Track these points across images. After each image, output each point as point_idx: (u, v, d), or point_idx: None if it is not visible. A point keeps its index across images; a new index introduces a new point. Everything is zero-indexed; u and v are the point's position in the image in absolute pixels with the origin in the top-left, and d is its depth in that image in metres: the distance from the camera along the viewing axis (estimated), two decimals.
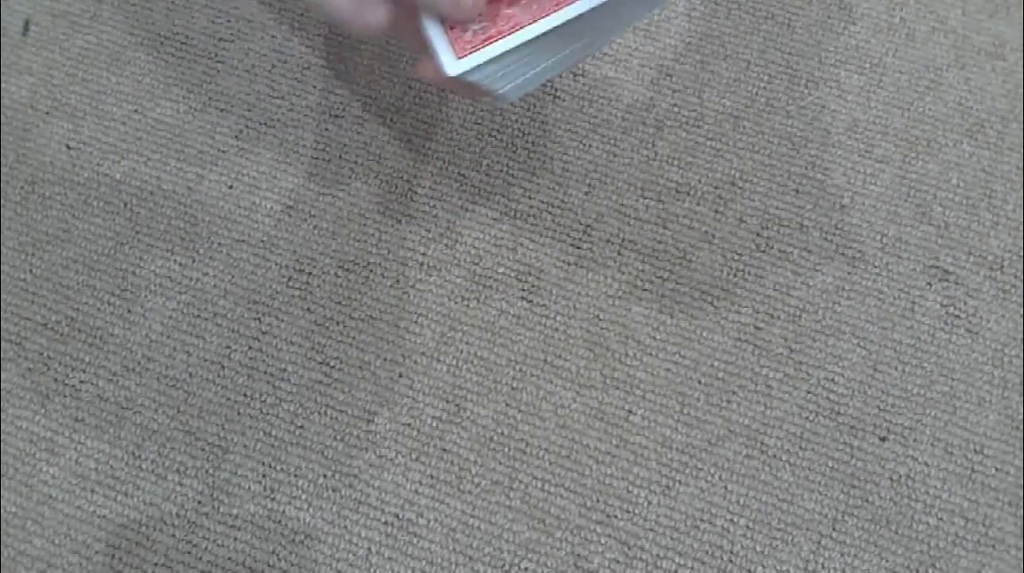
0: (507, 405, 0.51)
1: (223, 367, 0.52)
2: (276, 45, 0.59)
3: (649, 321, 0.53)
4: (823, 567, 0.48)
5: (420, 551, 0.49)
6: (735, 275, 0.53)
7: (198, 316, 0.53)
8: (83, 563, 0.49)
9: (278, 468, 0.50)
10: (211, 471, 0.50)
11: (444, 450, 0.50)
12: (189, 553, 0.49)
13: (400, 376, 0.52)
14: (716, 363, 0.52)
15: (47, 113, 0.58)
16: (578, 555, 0.48)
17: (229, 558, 0.48)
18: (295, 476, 0.50)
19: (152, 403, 0.51)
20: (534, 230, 0.55)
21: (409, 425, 0.51)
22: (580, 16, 0.35)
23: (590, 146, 0.56)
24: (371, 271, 0.54)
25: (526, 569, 0.48)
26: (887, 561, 0.48)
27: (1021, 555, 0.48)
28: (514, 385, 0.51)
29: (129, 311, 0.53)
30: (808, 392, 0.51)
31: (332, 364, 0.52)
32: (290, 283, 0.54)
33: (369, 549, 0.49)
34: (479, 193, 0.56)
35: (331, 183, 0.56)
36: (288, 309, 0.53)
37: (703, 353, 0.52)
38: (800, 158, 0.56)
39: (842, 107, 0.57)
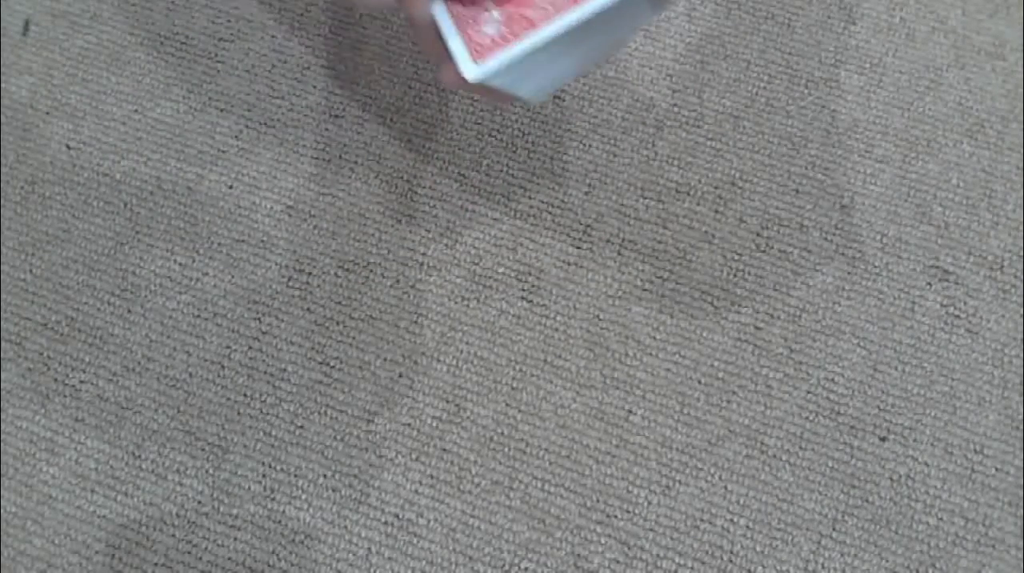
0: (507, 405, 0.51)
1: (223, 367, 0.52)
2: (276, 45, 0.59)
3: (649, 321, 0.53)
4: (823, 567, 0.48)
5: (420, 551, 0.49)
6: (735, 275, 0.53)
7: (198, 316, 0.53)
8: (83, 563, 0.49)
9: (278, 468, 0.50)
10: (211, 471, 0.50)
11: (444, 450, 0.50)
12: (189, 553, 0.49)
13: (400, 376, 0.52)
14: (716, 363, 0.52)
15: (47, 113, 0.58)
16: (578, 555, 0.48)
17: (229, 558, 0.48)
18: (295, 476, 0.50)
19: (152, 403, 0.51)
20: (534, 230, 0.55)
21: (409, 425, 0.51)
22: (597, 15, 0.35)
23: (590, 146, 0.56)
24: (371, 271, 0.54)
25: (526, 569, 0.48)
26: (887, 561, 0.48)
27: (1021, 555, 0.48)
28: (514, 385, 0.51)
29: (129, 311, 0.53)
30: (808, 392, 0.51)
31: (332, 364, 0.52)
32: (290, 283, 0.54)
33: (369, 549, 0.49)
34: (479, 193, 0.56)
35: (331, 183, 0.56)
36: (288, 309, 0.53)
37: (703, 353, 0.52)
38: (800, 158, 0.56)
39: (842, 107, 0.57)
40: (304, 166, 0.56)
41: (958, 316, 0.52)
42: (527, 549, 0.48)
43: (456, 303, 0.53)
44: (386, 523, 0.49)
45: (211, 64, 0.59)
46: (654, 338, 0.52)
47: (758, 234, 0.54)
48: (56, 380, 0.52)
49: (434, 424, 0.51)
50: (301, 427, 0.51)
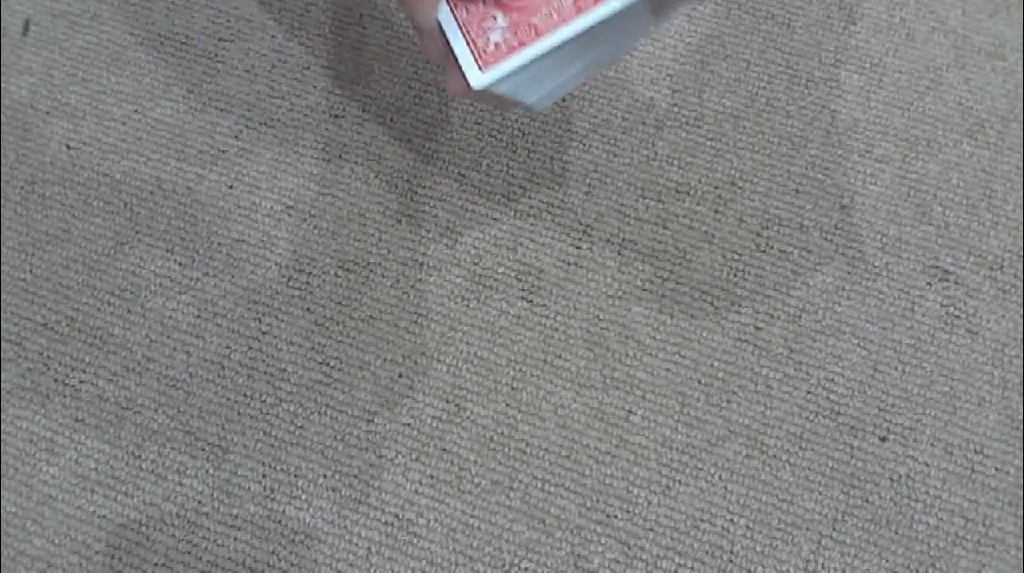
0: (507, 405, 0.51)
1: (223, 367, 0.52)
2: (276, 45, 0.59)
3: (649, 321, 0.53)
4: (823, 567, 0.48)
5: (420, 551, 0.49)
6: (735, 275, 0.53)
7: (198, 316, 0.53)
8: (83, 563, 0.49)
9: (278, 468, 0.50)
10: (211, 471, 0.50)
11: (444, 450, 0.50)
12: (189, 553, 0.49)
13: (400, 376, 0.52)
14: (716, 363, 0.52)
15: (47, 113, 0.58)
16: (578, 555, 0.48)
17: (229, 558, 0.48)
18: (295, 476, 0.50)
19: (152, 403, 0.51)
20: (534, 230, 0.55)
21: (409, 425, 0.51)
22: (601, 23, 0.35)
23: (590, 146, 0.56)
24: (371, 271, 0.54)
25: (526, 569, 0.48)
26: (887, 561, 0.48)
27: (1021, 555, 0.48)
28: (514, 385, 0.51)
29: (129, 311, 0.53)
30: (808, 392, 0.51)
31: (332, 364, 0.52)
32: (290, 283, 0.54)
33: (369, 549, 0.49)
34: (479, 193, 0.56)
35: (331, 183, 0.56)
36: (288, 309, 0.53)
37: (703, 353, 0.52)
38: (800, 158, 0.56)
39: (842, 107, 0.57)
40: (304, 166, 0.56)
41: (958, 316, 0.52)
42: (527, 549, 0.48)
43: (456, 303, 0.53)
44: (386, 523, 0.49)
45: (211, 64, 0.59)
46: (654, 338, 0.52)
47: (758, 234, 0.54)
48: (56, 380, 0.52)
49: (434, 424, 0.51)
50: (301, 427, 0.51)
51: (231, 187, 0.56)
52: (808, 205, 0.55)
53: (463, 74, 0.36)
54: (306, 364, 0.52)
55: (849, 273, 0.53)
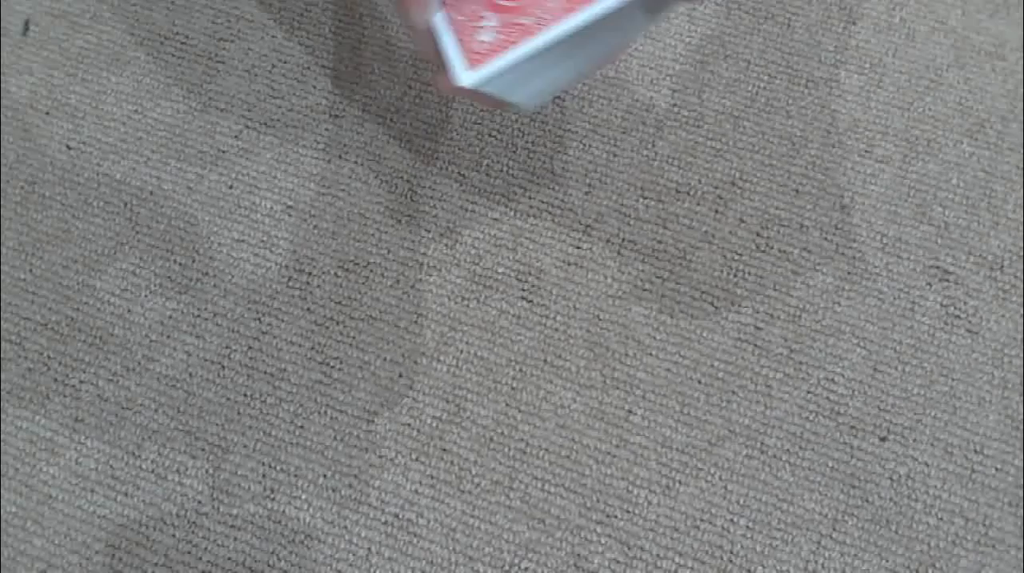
0: (507, 405, 0.51)
1: (223, 367, 0.52)
2: (276, 45, 0.59)
3: (649, 321, 0.53)
4: (823, 567, 0.48)
5: (420, 551, 0.49)
6: (735, 275, 0.53)
7: (198, 316, 0.53)
8: (83, 563, 0.49)
9: (278, 468, 0.50)
10: (211, 471, 0.50)
11: (444, 450, 0.50)
12: (189, 553, 0.49)
13: (400, 376, 0.52)
14: (716, 363, 0.52)
15: (47, 113, 0.58)
16: (578, 555, 0.48)
17: (229, 558, 0.48)
18: (295, 476, 0.50)
19: (152, 403, 0.51)
20: (534, 230, 0.55)
21: (409, 425, 0.51)
22: (591, 23, 0.35)
23: (590, 146, 0.56)
24: (371, 271, 0.54)
25: (526, 569, 0.48)
26: (887, 561, 0.48)
27: (1021, 555, 0.48)
28: (514, 385, 0.51)
29: (129, 311, 0.53)
30: (808, 392, 0.51)
31: (332, 364, 0.52)
32: (290, 283, 0.54)
33: (369, 549, 0.49)
34: (479, 193, 0.56)
35: (331, 183, 0.56)
36: (288, 309, 0.53)
37: (703, 353, 0.52)
38: (800, 158, 0.56)
39: (842, 107, 0.57)
40: (304, 166, 0.56)
41: (958, 316, 0.52)
42: (527, 549, 0.48)
43: (456, 303, 0.53)
44: (386, 523, 0.49)
45: (211, 64, 0.59)
46: (654, 338, 0.52)
47: (758, 234, 0.54)
48: (56, 380, 0.52)
49: (434, 424, 0.51)
50: (301, 427, 0.51)
51: (231, 187, 0.56)
52: (808, 205, 0.55)
53: (451, 73, 0.36)
54: (306, 364, 0.52)
55: (849, 273, 0.53)
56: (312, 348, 0.52)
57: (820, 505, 0.49)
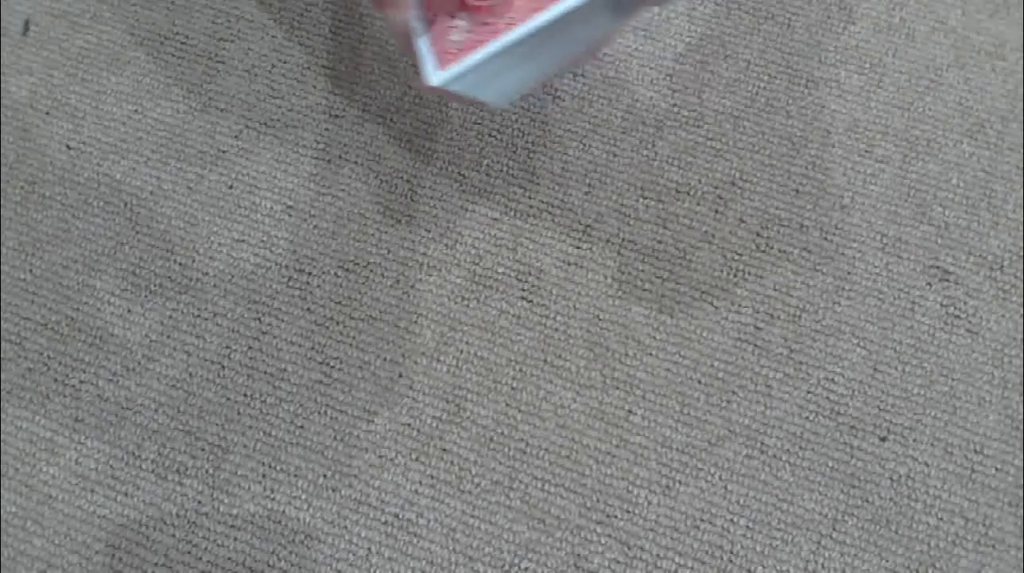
0: (507, 405, 0.51)
1: (223, 367, 0.52)
2: (276, 45, 0.59)
3: (649, 321, 0.53)
4: (823, 567, 0.48)
5: (420, 551, 0.49)
6: (735, 275, 0.53)
7: (198, 316, 0.53)
8: (83, 563, 0.49)
9: (278, 468, 0.50)
10: (211, 471, 0.50)
11: (444, 450, 0.50)
12: (189, 553, 0.49)
13: (400, 376, 0.52)
14: (716, 363, 0.52)
15: (47, 113, 0.58)
16: (578, 555, 0.48)
17: (229, 558, 0.48)
18: (295, 476, 0.50)
19: (152, 403, 0.51)
20: (534, 230, 0.55)
21: (409, 425, 0.51)
22: (557, 21, 0.36)
23: (590, 146, 0.56)
24: (371, 271, 0.54)
25: (526, 569, 0.48)
26: (887, 561, 0.48)
27: (1021, 555, 0.48)
28: (514, 385, 0.51)
29: (129, 311, 0.53)
30: (808, 392, 0.51)
31: (332, 364, 0.52)
32: (290, 283, 0.54)
33: (369, 549, 0.49)
34: (479, 193, 0.56)
35: (331, 183, 0.56)
36: (288, 309, 0.53)
37: (703, 353, 0.52)
38: (800, 158, 0.56)
39: (842, 107, 0.57)
40: (304, 166, 0.56)
41: (958, 316, 0.52)
42: (527, 549, 0.48)
43: (456, 303, 0.53)
44: (386, 523, 0.49)
45: (211, 64, 0.59)
46: (654, 338, 0.52)
47: (758, 234, 0.54)
48: (56, 380, 0.52)
49: (434, 424, 0.51)
50: (301, 427, 0.51)
51: (231, 187, 0.56)
52: (808, 205, 0.55)
53: (422, 72, 0.38)
54: (306, 364, 0.52)
55: (849, 273, 0.53)
56: (312, 348, 0.52)
57: (820, 505, 0.49)
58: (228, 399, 0.51)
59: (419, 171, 0.56)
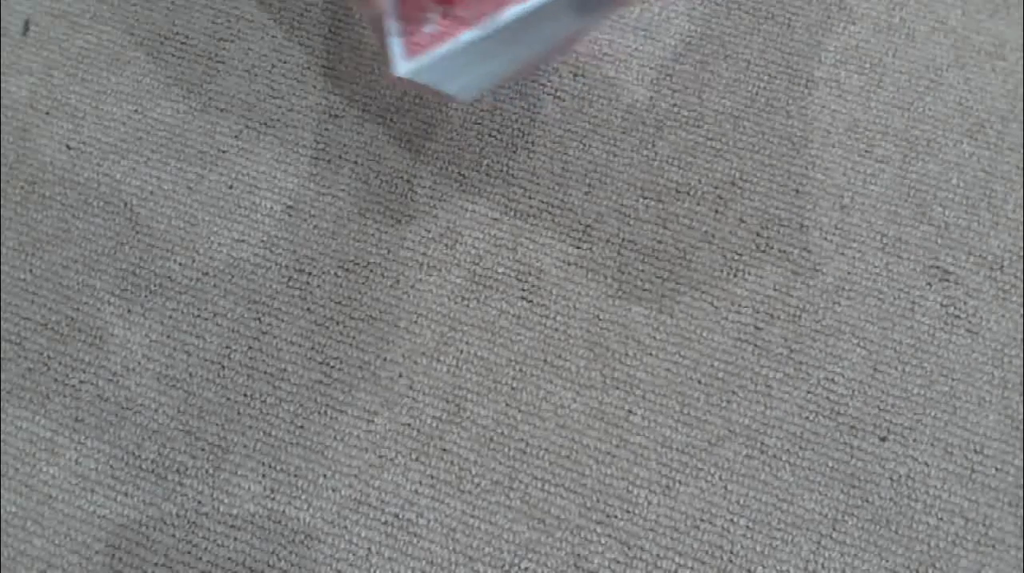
0: (507, 405, 0.51)
1: (223, 367, 0.52)
2: (276, 45, 0.59)
3: (649, 321, 0.53)
4: (823, 567, 0.48)
5: (420, 551, 0.49)
6: (735, 275, 0.53)
7: (198, 316, 0.53)
8: (83, 563, 0.49)
9: (278, 468, 0.50)
10: (211, 471, 0.50)
11: (444, 450, 0.50)
12: (189, 553, 0.49)
13: (400, 376, 0.52)
14: (716, 363, 0.52)
15: (47, 113, 0.58)
16: (578, 555, 0.48)
17: (229, 558, 0.48)
18: (295, 476, 0.50)
19: (152, 403, 0.51)
20: (534, 230, 0.55)
21: (409, 425, 0.51)
22: (519, 19, 0.37)
23: (590, 146, 0.56)
24: (371, 271, 0.54)
25: (526, 569, 0.48)
26: (887, 561, 0.48)
27: (1021, 555, 0.48)
28: (514, 385, 0.51)
29: (129, 311, 0.53)
30: (808, 392, 0.51)
31: (332, 364, 0.52)
32: (290, 283, 0.54)
33: (369, 549, 0.49)
34: (479, 193, 0.56)
35: (331, 183, 0.56)
36: (288, 309, 0.53)
37: (703, 353, 0.52)
38: (800, 158, 0.56)
39: (842, 107, 0.57)
40: (304, 166, 0.56)
41: (958, 316, 0.52)
42: (527, 549, 0.48)
43: (456, 303, 0.53)
44: (386, 523, 0.49)
45: (211, 64, 0.59)
46: (654, 338, 0.52)
47: (758, 234, 0.54)
48: (56, 380, 0.52)
49: (434, 424, 0.51)
50: (301, 427, 0.51)
51: (231, 187, 0.56)
52: (808, 205, 0.55)
53: (390, 63, 0.38)
54: (306, 364, 0.52)
55: (849, 273, 0.53)
56: (312, 348, 0.52)
57: (820, 505, 0.49)
58: (228, 399, 0.51)
59: (419, 171, 0.56)
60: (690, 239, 0.54)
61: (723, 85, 0.58)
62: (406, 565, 0.48)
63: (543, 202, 0.55)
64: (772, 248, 0.54)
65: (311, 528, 0.49)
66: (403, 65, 0.38)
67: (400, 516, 0.49)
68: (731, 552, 0.48)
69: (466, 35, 0.38)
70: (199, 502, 0.49)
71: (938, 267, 0.53)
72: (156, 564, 0.48)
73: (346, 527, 0.49)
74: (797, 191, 0.55)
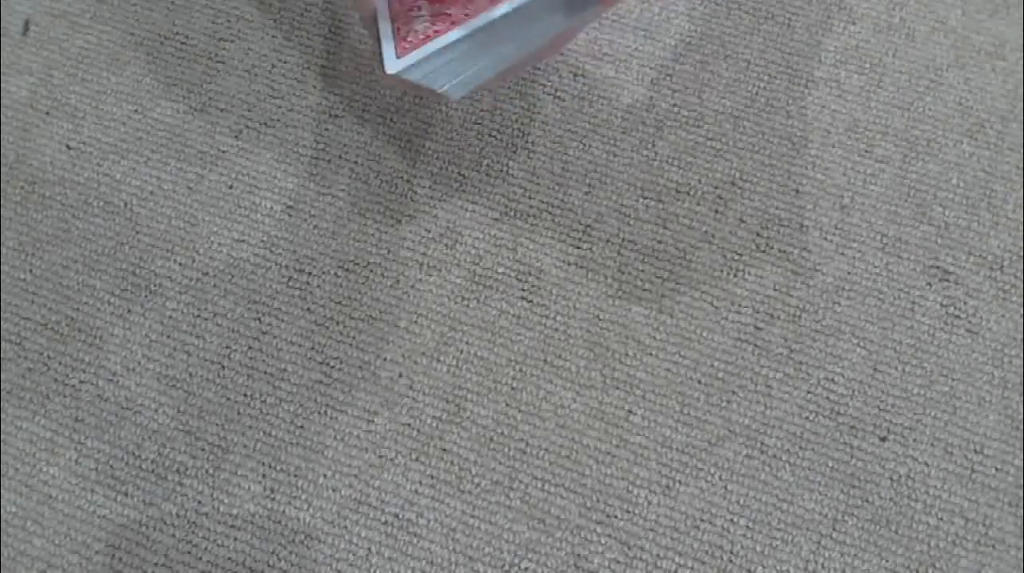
0: (507, 405, 0.51)
1: (223, 367, 0.52)
2: (276, 45, 0.59)
3: (649, 321, 0.53)
4: (823, 567, 0.48)
5: (420, 551, 0.49)
6: (735, 275, 0.53)
7: (198, 316, 0.53)
8: (83, 563, 0.49)
9: (278, 468, 0.50)
10: (211, 471, 0.50)
11: (444, 450, 0.50)
12: (189, 553, 0.49)
13: (400, 376, 0.52)
14: (716, 363, 0.52)
15: (47, 113, 0.58)
16: (578, 555, 0.48)
17: (229, 558, 0.48)
18: (295, 476, 0.50)
19: (152, 403, 0.51)
20: (534, 230, 0.55)
21: (409, 425, 0.51)
22: (506, 17, 0.37)
23: (590, 146, 0.56)
24: (371, 271, 0.54)
25: (526, 569, 0.48)
26: (887, 561, 0.48)
27: (1021, 555, 0.48)
28: (514, 385, 0.51)
29: (129, 311, 0.53)
30: (808, 392, 0.51)
31: (332, 364, 0.52)
32: (290, 283, 0.54)
33: (369, 549, 0.49)
34: (479, 193, 0.56)
35: (331, 183, 0.56)
36: (288, 309, 0.53)
37: (703, 353, 0.52)
38: (800, 158, 0.56)
39: (842, 107, 0.57)
40: (304, 166, 0.56)
41: (958, 316, 0.52)
42: (527, 549, 0.48)
43: (456, 303, 0.53)
44: (386, 523, 0.49)
45: (211, 64, 0.59)
46: (654, 338, 0.52)
47: (758, 234, 0.54)
48: (56, 380, 0.52)
49: (434, 424, 0.51)
50: (301, 427, 0.51)
51: (231, 187, 0.56)
52: (808, 205, 0.55)
53: (382, 61, 0.38)
54: (306, 364, 0.52)
55: (849, 273, 0.53)
56: (312, 348, 0.52)
57: (820, 505, 0.49)
58: (228, 399, 0.51)
59: (419, 171, 0.56)
60: (690, 239, 0.54)
61: (723, 85, 0.58)
62: (406, 565, 0.48)
63: (543, 202, 0.55)
64: (772, 248, 0.54)
65: (311, 528, 0.49)
66: (394, 63, 0.38)
67: (400, 516, 0.49)
68: (731, 552, 0.48)
69: (455, 33, 0.38)
70: (199, 502, 0.49)
71: (938, 267, 0.53)
72: (156, 564, 0.48)
73: (346, 527, 0.49)
74: (797, 191, 0.55)
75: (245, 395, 0.51)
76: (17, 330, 0.53)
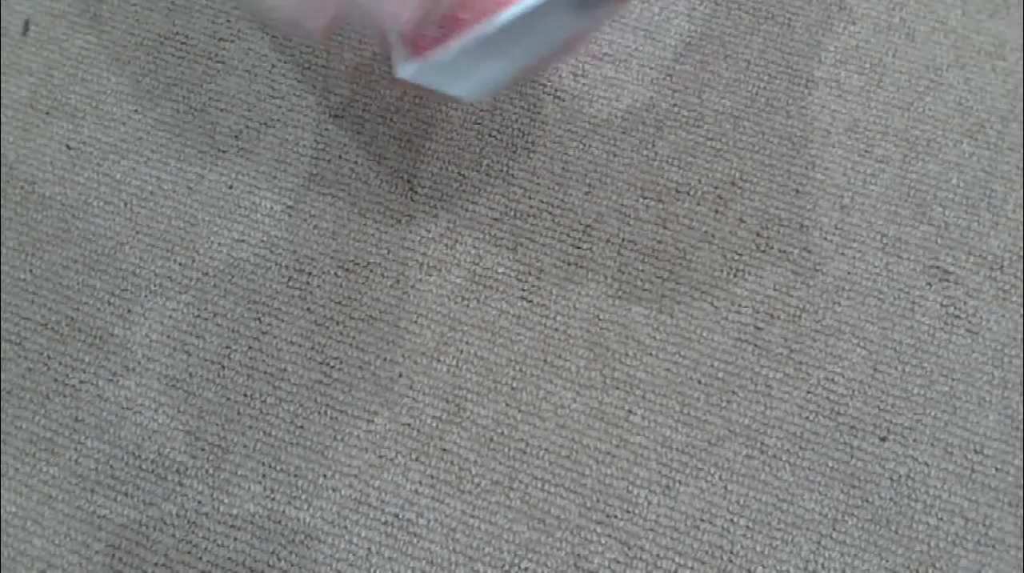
0: (507, 405, 0.51)
1: (223, 367, 0.52)
2: (276, 45, 0.59)
3: (649, 321, 0.53)
4: (823, 567, 0.48)
5: (420, 551, 0.49)
6: (735, 275, 0.53)
7: (198, 316, 0.53)
8: (83, 563, 0.49)
9: (278, 468, 0.50)
10: (211, 471, 0.50)
11: (444, 450, 0.50)
12: (189, 553, 0.49)
13: (400, 376, 0.52)
14: (716, 363, 0.52)
15: (47, 113, 0.58)
16: (578, 555, 0.48)
17: (229, 558, 0.48)
18: (295, 476, 0.50)
19: (152, 403, 0.51)
20: (534, 230, 0.55)
21: (409, 425, 0.51)
22: (519, 19, 0.37)
23: (590, 146, 0.56)
24: (371, 271, 0.54)
25: (526, 569, 0.48)
26: (887, 561, 0.48)
27: (1021, 555, 0.48)
28: (514, 385, 0.51)
29: (129, 311, 0.53)
30: (808, 392, 0.51)
31: (332, 364, 0.52)
32: (290, 283, 0.54)
33: (369, 549, 0.49)
34: (479, 193, 0.56)
35: (331, 183, 0.56)
36: (288, 309, 0.53)
37: (703, 353, 0.52)
38: (800, 158, 0.56)
39: (842, 107, 0.57)
40: (304, 166, 0.56)
41: (958, 316, 0.52)
42: (527, 549, 0.48)
43: (456, 303, 0.53)
44: (386, 523, 0.49)
45: (211, 64, 0.59)
46: (654, 338, 0.52)
47: (758, 234, 0.54)
48: (56, 380, 0.52)
49: (434, 424, 0.51)
50: (301, 427, 0.51)
51: (231, 187, 0.56)
52: (808, 205, 0.55)
53: (394, 66, 0.38)
54: (306, 364, 0.52)
55: (849, 273, 0.53)
56: (312, 348, 0.52)
57: (820, 505, 0.49)
58: (228, 399, 0.51)
59: (419, 171, 0.56)
60: (690, 239, 0.54)
61: (723, 85, 0.58)
62: (406, 565, 0.48)
63: (543, 202, 0.55)
64: (772, 248, 0.54)
65: (311, 528, 0.49)
66: (407, 68, 0.38)
67: (400, 516, 0.49)
68: (731, 552, 0.48)
69: (468, 36, 0.38)
70: (199, 502, 0.50)
71: (938, 267, 0.53)
72: (156, 564, 0.48)
73: (346, 527, 0.49)
74: (797, 191, 0.55)
75: (245, 395, 0.51)
76: (17, 330, 0.53)
